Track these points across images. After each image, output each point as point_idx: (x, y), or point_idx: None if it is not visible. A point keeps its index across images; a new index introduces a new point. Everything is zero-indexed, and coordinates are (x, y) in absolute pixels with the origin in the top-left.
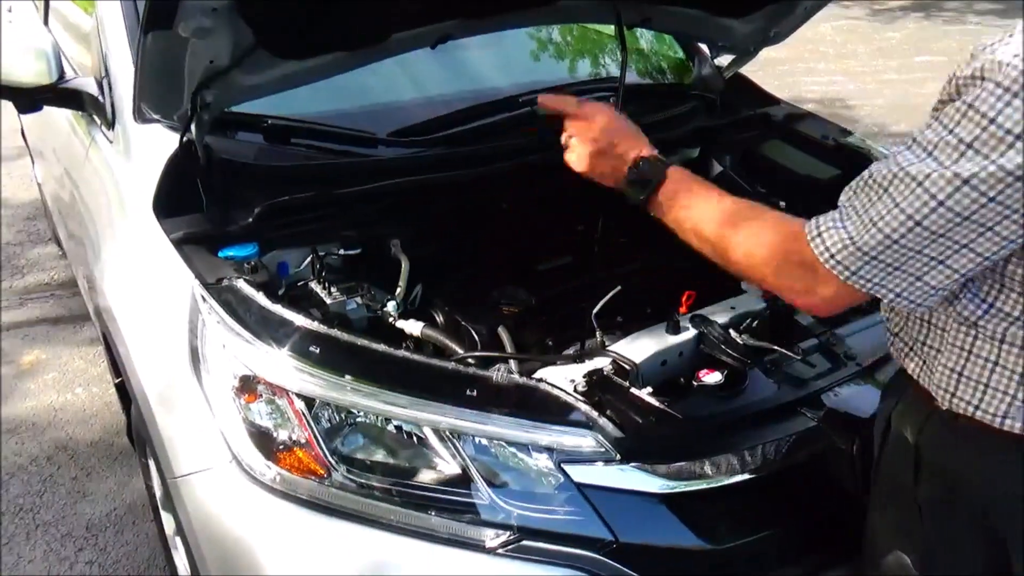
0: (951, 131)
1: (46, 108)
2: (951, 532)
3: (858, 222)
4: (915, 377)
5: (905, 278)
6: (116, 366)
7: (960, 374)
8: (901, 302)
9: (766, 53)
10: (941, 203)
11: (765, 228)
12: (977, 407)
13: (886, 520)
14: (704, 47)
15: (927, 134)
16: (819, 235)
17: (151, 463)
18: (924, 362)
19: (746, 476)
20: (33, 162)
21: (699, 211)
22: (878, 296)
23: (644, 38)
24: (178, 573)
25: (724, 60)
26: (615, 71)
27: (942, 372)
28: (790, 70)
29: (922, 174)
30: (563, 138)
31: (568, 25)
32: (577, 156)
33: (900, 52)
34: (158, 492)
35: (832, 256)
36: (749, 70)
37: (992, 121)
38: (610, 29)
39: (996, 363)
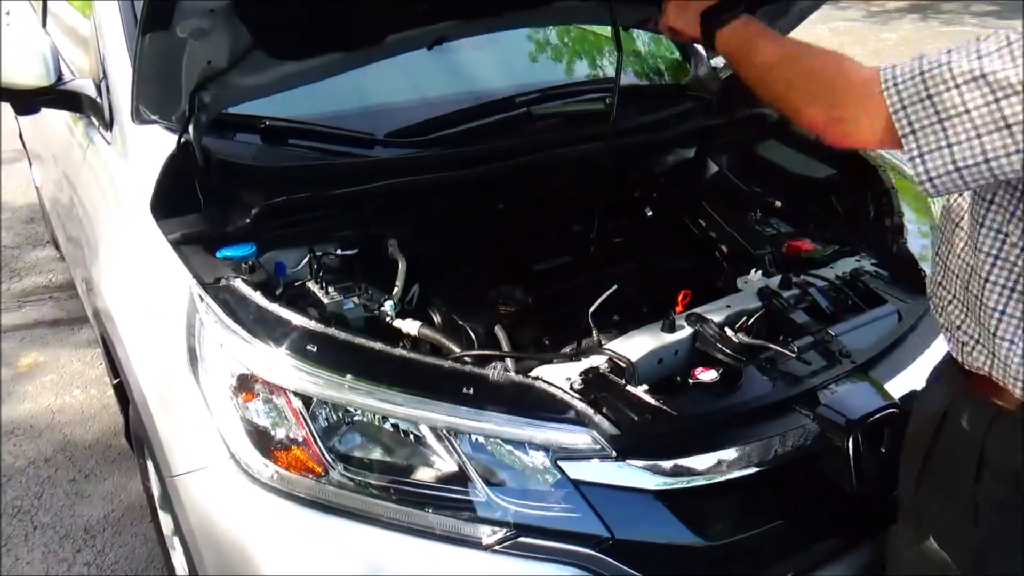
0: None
1: (44, 111)
2: (1012, 537)
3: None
4: (985, 371)
5: (941, 137)
6: (114, 368)
7: None
8: (919, 166)
9: None
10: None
11: (829, 57)
12: None
13: (930, 516)
14: (700, 48)
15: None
16: (892, 67)
17: (149, 464)
18: (994, 355)
19: (742, 473)
20: (31, 165)
21: (758, 45)
22: (904, 148)
23: (640, 39)
24: (176, 573)
25: (720, 61)
26: (611, 71)
27: (1019, 365)
28: None
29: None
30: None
31: (565, 26)
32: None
33: (897, 53)
34: (156, 492)
35: (891, 71)
36: None
37: None
38: (606, 30)
39: None
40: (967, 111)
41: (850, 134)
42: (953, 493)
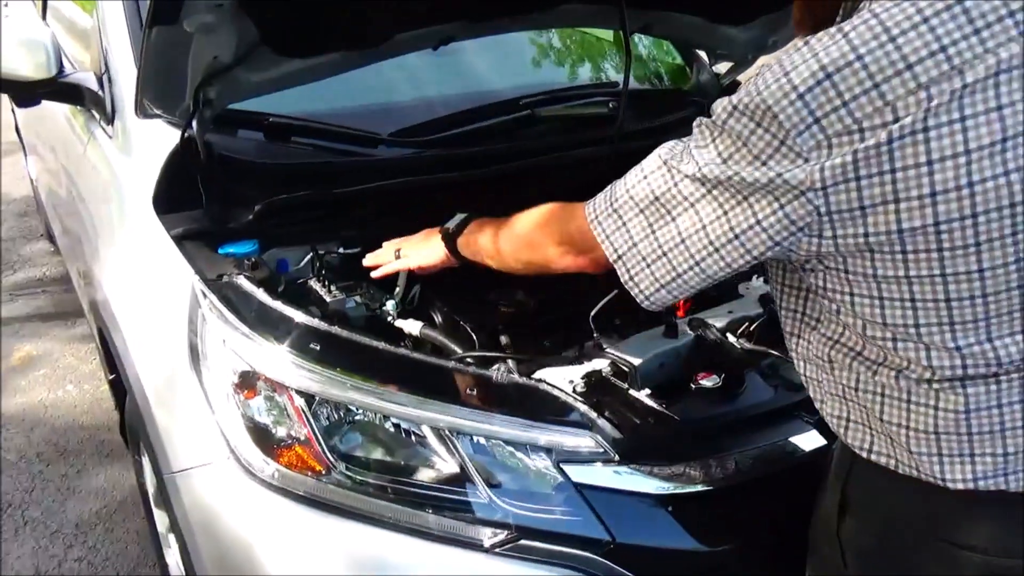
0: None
1: (43, 104)
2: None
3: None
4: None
5: (640, 259)
6: (110, 362)
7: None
8: (633, 289)
9: (763, 61)
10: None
11: (541, 211)
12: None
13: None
14: (703, 54)
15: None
16: (593, 201)
17: (144, 460)
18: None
19: (744, 479)
20: (26, 157)
21: (487, 235)
22: (618, 273)
23: (643, 44)
24: (170, 571)
25: (722, 68)
26: (614, 76)
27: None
28: None
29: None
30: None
31: (568, 30)
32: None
33: None
34: (151, 489)
35: (592, 206)
36: (746, 79)
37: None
38: (609, 35)
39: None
40: (652, 232)
41: (600, 262)
42: (825, 529)
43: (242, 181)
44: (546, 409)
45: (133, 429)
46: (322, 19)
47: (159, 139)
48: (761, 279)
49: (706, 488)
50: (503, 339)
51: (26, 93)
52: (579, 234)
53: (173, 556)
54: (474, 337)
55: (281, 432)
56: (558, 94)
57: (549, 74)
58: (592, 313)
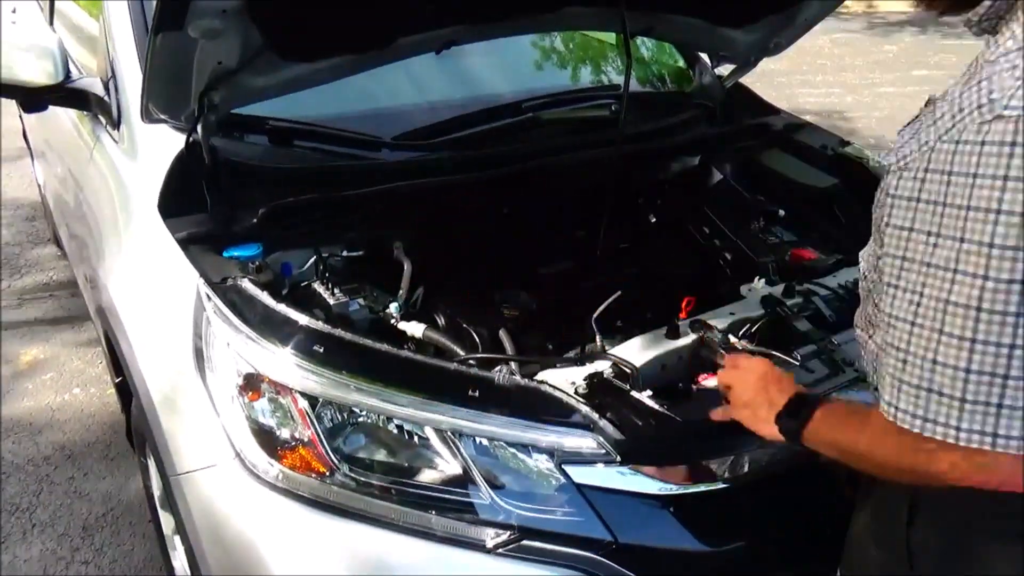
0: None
1: (50, 109)
2: None
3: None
4: None
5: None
6: (116, 366)
7: None
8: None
9: (765, 64)
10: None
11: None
12: None
13: (864, 555)
14: (705, 56)
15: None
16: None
17: (150, 462)
18: None
19: (746, 479)
20: (34, 162)
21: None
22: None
23: (645, 46)
24: (175, 573)
25: (724, 70)
26: (616, 78)
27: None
28: (788, 81)
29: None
30: (720, 386)
31: (569, 33)
32: (738, 406)
33: (897, 65)
34: (157, 491)
35: (906, 413)
36: (748, 80)
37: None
38: (611, 37)
39: None
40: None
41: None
42: (887, 537)
43: (246, 185)
44: (548, 410)
45: (139, 432)
46: (325, 24)
47: (164, 143)
48: (763, 281)
49: (708, 489)
50: (505, 341)
51: (34, 99)
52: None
53: (179, 558)
54: (477, 339)
55: (285, 434)
56: (560, 97)
57: (551, 77)
58: (594, 315)
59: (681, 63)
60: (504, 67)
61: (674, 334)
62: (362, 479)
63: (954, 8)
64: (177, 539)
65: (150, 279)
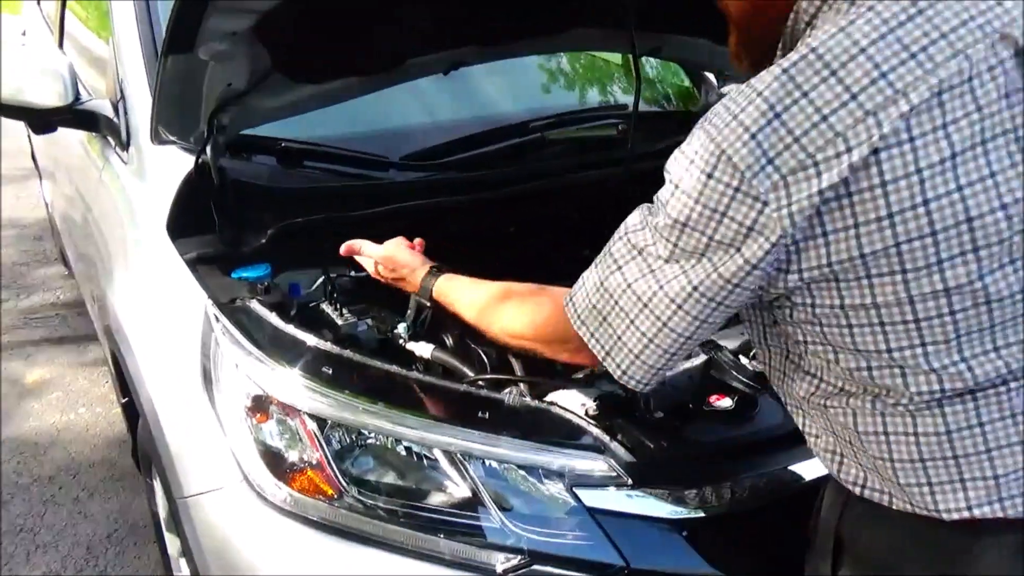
0: None
1: (59, 130)
2: None
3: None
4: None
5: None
6: (123, 386)
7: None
8: (610, 365)
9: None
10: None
11: (525, 300)
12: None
13: None
14: (711, 76)
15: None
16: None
17: (156, 483)
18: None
19: (759, 502)
20: (42, 182)
21: (464, 296)
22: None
23: (650, 65)
24: None
25: (730, 89)
26: (622, 98)
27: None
28: None
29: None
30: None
31: (577, 54)
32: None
33: None
34: (163, 513)
35: (570, 299)
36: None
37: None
38: (617, 58)
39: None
40: (618, 306)
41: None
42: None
43: (255, 206)
44: (558, 432)
45: (145, 453)
46: (334, 46)
47: (173, 165)
48: None
49: (721, 512)
50: (515, 362)
51: (43, 120)
52: (556, 322)
53: None
54: (486, 360)
55: (293, 456)
56: (567, 117)
57: (559, 97)
58: None
59: (687, 82)
60: (512, 87)
61: None
62: (371, 502)
63: (760, 68)
64: (182, 561)
65: (158, 299)
